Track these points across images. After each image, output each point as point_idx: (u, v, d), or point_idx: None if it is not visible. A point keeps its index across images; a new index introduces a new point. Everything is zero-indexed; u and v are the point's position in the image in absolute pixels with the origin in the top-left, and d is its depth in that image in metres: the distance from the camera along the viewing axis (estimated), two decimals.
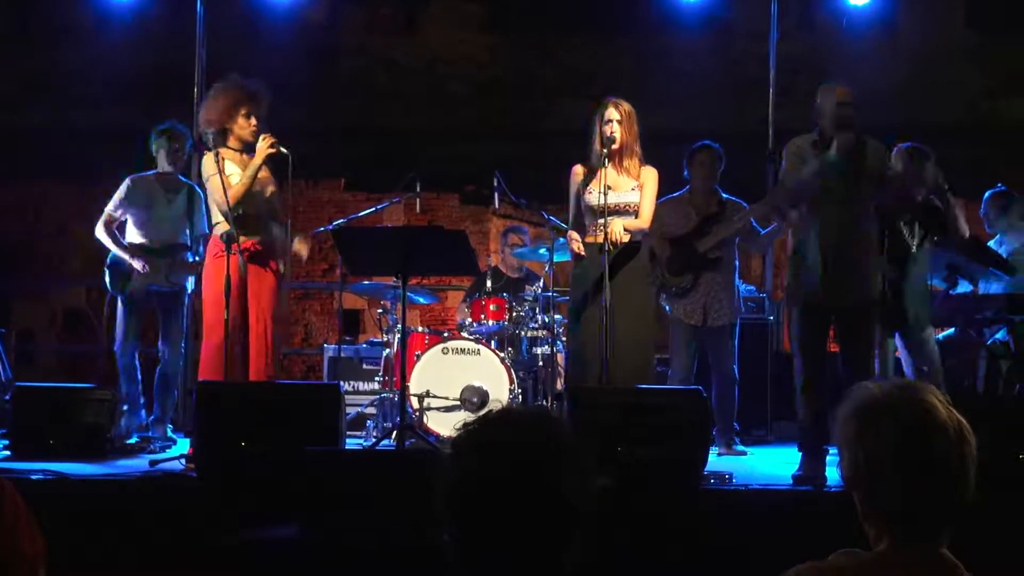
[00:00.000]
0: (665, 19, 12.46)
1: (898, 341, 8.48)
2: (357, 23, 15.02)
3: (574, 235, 8.00)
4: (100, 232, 8.88)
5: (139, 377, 8.92)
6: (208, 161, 7.79)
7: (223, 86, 8.02)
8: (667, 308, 9.08)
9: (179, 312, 8.81)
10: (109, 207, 8.90)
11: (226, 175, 7.66)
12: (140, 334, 8.96)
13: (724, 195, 9.06)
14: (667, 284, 8.97)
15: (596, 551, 2.47)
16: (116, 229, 8.89)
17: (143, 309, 8.90)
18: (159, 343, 8.96)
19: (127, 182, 8.93)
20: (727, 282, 8.95)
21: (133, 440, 8.57)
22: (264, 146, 7.71)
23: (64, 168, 13.99)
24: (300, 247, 8.08)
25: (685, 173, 9.08)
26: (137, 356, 8.92)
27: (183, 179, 8.98)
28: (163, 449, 8.33)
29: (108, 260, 8.87)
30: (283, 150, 7.71)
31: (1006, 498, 5.90)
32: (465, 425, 2.47)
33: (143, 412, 8.88)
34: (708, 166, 8.99)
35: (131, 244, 8.84)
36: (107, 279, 8.87)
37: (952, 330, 9.23)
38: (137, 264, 8.68)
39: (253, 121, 7.87)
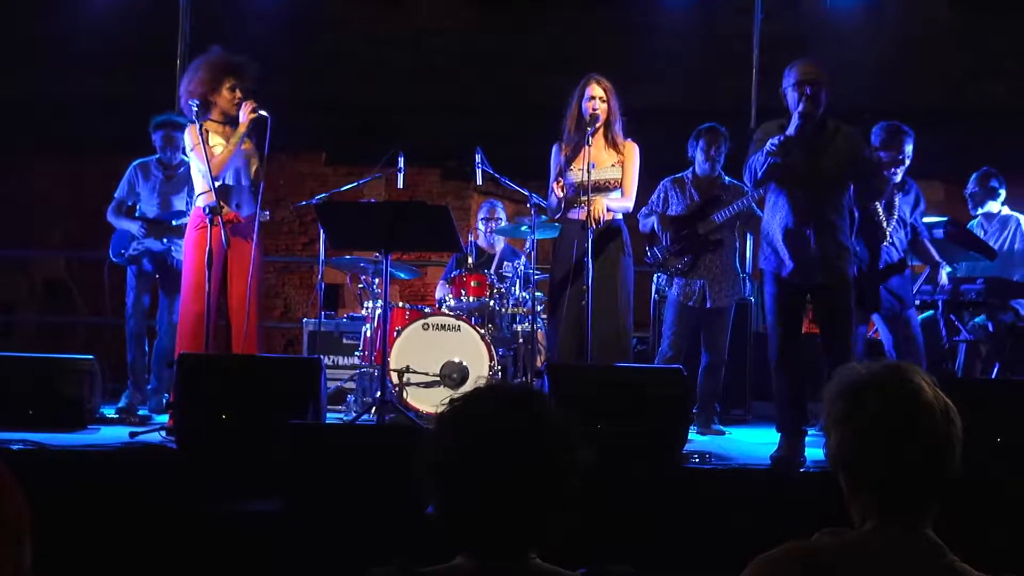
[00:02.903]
0: None
1: (879, 323, 8.51)
2: None
3: (557, 186, 8.03)
4: (111, 216, 9.06)
5: (147, 347, 8.98)
6: (191, 133, 7.84)
7: (207, 58, 8.06)
8: (663, 287, 9.11)
9: (174, 280, 8.76)
10: (118, 193, 9.08)
11: (209, 146, 7.70)
12: (149, 301, 9.03)
13: (727, 178, 9.07)
14: (666, 264, 8.98)
15: (576, 526, 2.49)
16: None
17: (148, 275, 8.95)
18: (157, 315, 9.00)
19: (132, 168, 9.10)
20: (727, 264, 8.96)
21: (144, 412, 8.64)
22: (247, 111, 7.75)
23: (45, 138, 13.93)
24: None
25: (689, 153, 9.08)
26: (145, 326, 8.99)
27: (184, 157, 9.00)
28: (142, 421, 8.33)
29: (115, 233, 9.05)
30: (263, 113, 7.74)
31: (986, 481, 5.93)
32: (453, 400, 2.49)
33: (149, 390, 8.94)
34: (712, 147, 8.98)
35: (135, 219, 8.96)
36: (110, 249, 9.02)
37: (931, 312, 9.27)
38: (134, 227, 8.83)
39: (237, 94, 7.91)
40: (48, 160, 14.51)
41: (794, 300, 7.33)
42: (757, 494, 6.44)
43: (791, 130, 7.12)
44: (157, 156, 9.04)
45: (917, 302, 8.89)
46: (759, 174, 7.27)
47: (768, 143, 7.16)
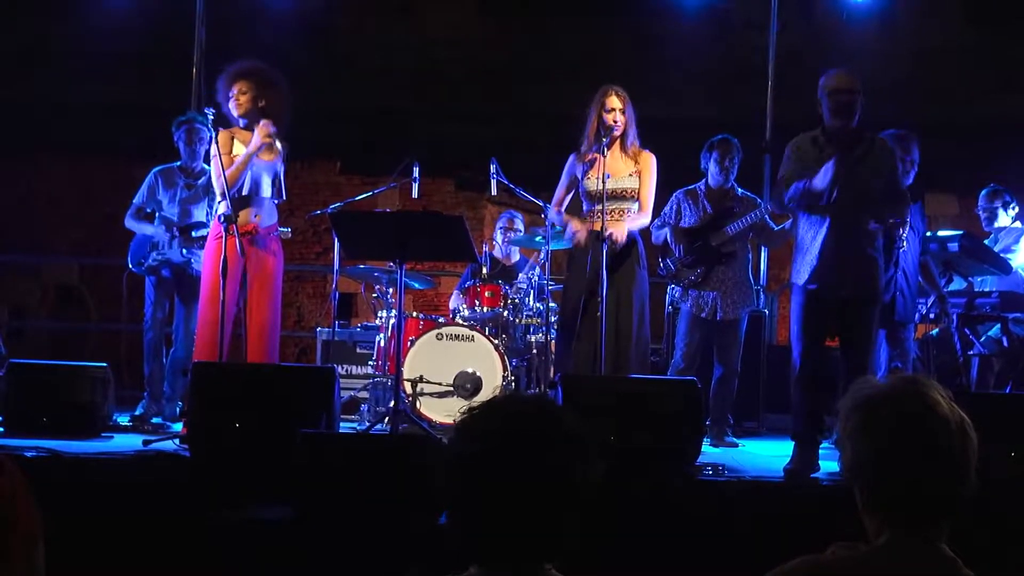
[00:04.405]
0: (663, 5, 12.47)
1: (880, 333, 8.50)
2: (354, 3, 14.99)
3: (576, 223, 8.04)
4: (129, 222, 9.04)
5: (164, 358, 8.97)
6: (214, 142, 7.89)
7: (225, 69, 8.13)
8: (677, 299, 9.09)
9: (192, 290, 8.74)
10: (136, 199, 9.05)
11: (232, 155, 7.76)
12: (167, 311, 9.02)
13: (739, 190, 9.06)
14: (679, 276, 8.98)
15: (590, 536, 2.49)
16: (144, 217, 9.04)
17: (167, 285, 8.96)
18: (174, 324, 9.00)
19: (152, 175, 9.07)
20: (739, 277, 8.96)
21: (157, 421, 8.67)
22: (261, 133, 7.78)
23: (58, 142, 13.96)
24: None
25: (702, 165, 9.07)
26: (163, 338, 8.99)
27: (205, 166, 8.99)
28: (156, 429, 8.35)
29: (133, 240, 9.03)
30: (278, 145, 7.78)
31: (999, 496, 5.92)
32: (470, 409, 2.50)
33: (164, 401, 8.94)
34: (726, 159, 8.97)
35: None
36: (128, 258, 9.00)
37: (945, 326, 9.25)
38: (159, 230, 8.81)
39: (243, 100, 7.94)
40: (60, 165, 14.55)
41: (821, 312, 7.29)
42: (770, 507, 6.43)
43: (823, 181, 7.11)
44: (179, 163, 9.03)
45: (931, 316, 8.89)
46: (788, 203, 7.29)
47: (825, 172, 7.13)
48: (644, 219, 8.10)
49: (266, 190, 7.99)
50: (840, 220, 7.20)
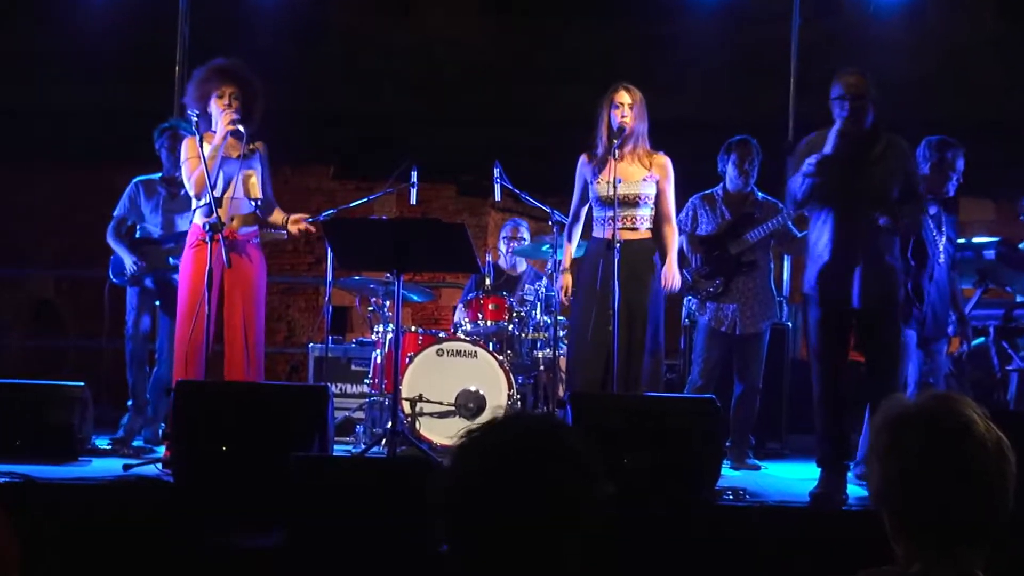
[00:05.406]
0: (674, 2, 12.46)
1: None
2: (349, 2, 15.00)
3: (567, 281, 8.06)
4: (110, 239, 9.05)
5: (148, 368, 8.96)
6: (187, 145, 7.86)
7: (201, 68, 8.08)
8: (694, 311, 9.04)
9: (176, 302, 8.74)
10: (117, 211, 9.10)
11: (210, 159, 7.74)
12: (151, 323, 9.02)
13: (760, 194, 9.01)
14: (696, 287, 8.93)
15: (601, 561, 2.48)
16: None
17: (150, 295, 8.97)
18: (157, 341, 8.98)
19: (133, 185, 9.11)
20: (760, 288, 8.90)
21: (139, 443, 8.63)
22: (224, 122, 7.74)
23: (36, 150, 13.95)
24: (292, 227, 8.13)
25: (719, 168, 9.02)
26: (146, 348, 8.98)
27: None
28: (137, 453, 8.32)
29: (115, 254, 9.05)
30: (240, 128, 7.73)
31: None
32: (469, 431, 2.48)
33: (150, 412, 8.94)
34: (745, 161, 8.93)
35: (135, 240, 9.01)
36: (110, 269, 9.03)
37: (982, 339, 9.21)
38: (128, 262, 8.84)
39: (224, 101, 7.88)
40: (38, 173, 14.53)
41: (839, 325, 7.26)
42: (795, 534, 6.40)
43: (828, 148, 7.08)
44: (161, 175, 9.02)
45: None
46: (798, 196, 7.24)
47: (806, 164, 7.13)
48: (675, 232, 8.06)
49: (240, 191, 7.93)
50: (852, 224, 7.17)
